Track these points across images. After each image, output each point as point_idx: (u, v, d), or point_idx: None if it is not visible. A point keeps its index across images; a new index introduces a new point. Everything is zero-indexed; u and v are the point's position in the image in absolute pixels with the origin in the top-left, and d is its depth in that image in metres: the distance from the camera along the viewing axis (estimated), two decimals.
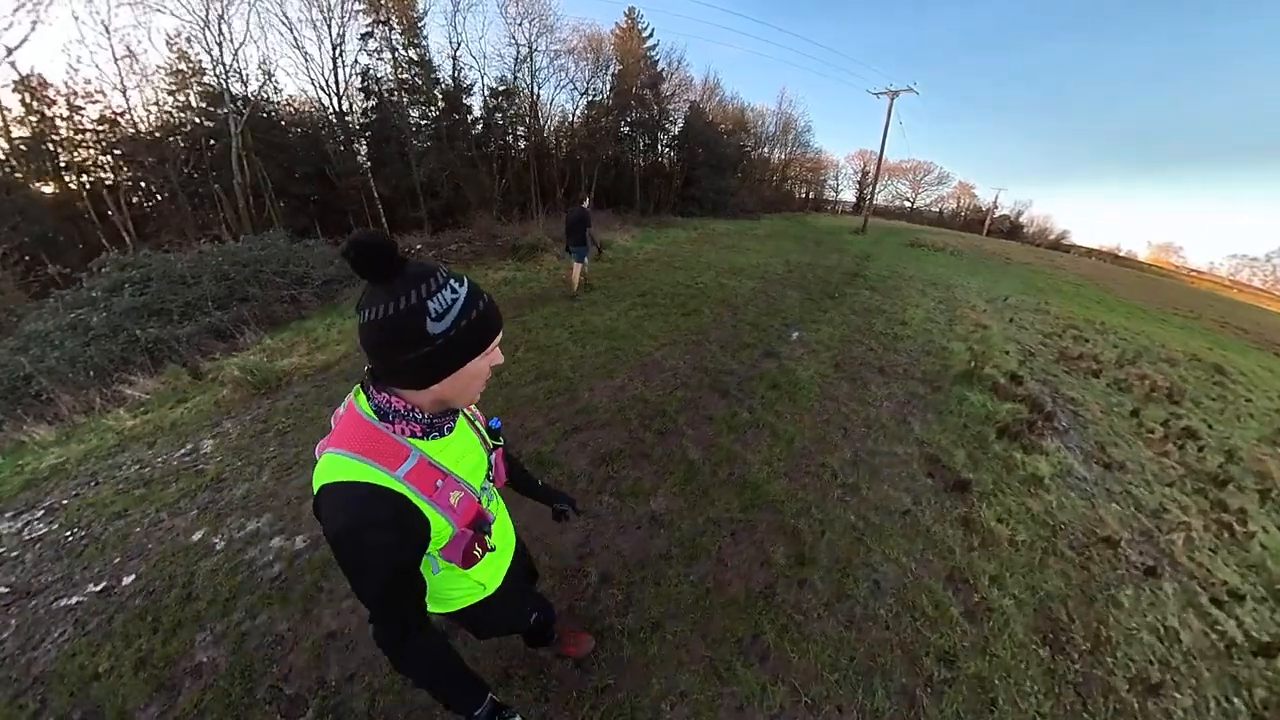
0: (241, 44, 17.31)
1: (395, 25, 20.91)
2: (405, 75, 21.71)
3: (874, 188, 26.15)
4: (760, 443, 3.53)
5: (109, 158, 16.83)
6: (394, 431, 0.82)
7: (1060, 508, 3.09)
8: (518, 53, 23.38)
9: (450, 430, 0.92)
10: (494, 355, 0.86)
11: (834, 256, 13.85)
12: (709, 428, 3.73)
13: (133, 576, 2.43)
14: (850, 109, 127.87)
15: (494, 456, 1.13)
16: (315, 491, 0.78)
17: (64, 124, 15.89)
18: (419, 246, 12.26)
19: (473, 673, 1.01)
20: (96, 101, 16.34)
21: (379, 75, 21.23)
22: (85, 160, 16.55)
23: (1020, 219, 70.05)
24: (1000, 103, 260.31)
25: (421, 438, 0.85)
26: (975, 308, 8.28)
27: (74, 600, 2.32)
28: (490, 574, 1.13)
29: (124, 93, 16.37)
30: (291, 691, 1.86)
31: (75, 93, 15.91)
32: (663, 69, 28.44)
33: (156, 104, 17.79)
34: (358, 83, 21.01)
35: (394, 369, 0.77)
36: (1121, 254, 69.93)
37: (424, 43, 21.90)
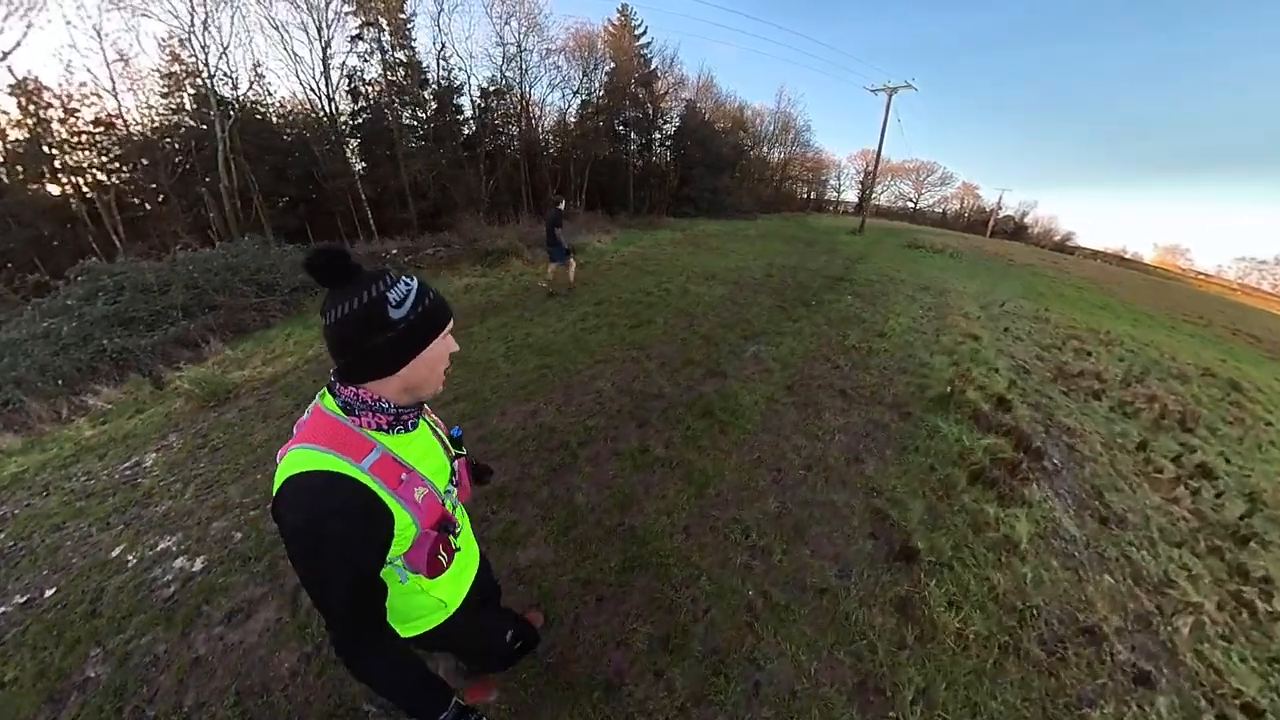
0: (226, 48, 17.19)
1: (384, 26, 20.56)
2: (394, 77, 21.51)
3: (872, 187, 25.42)
4: (666, 486, 2.90)
5: (102, 160, 16.77)
6: (359, 425, 0.85)
7: (1036, 584, 2.42)
8: (504, 51, 22.87)
9: (414, 427, 0.95)
10: (449, 342, 0.93)
11: (823, 258, 13.16)
12: (611, 465, 3.11)
13: (53, 589, 2.48)
14: (852, 108, 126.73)
15: (456, 464, 1.13)
16: (276, 488, 0.78)
17: (61, 127, 15.86)
18: (394, 251, 11.88)
19: (436, 678, 1.01)
20: (92, 105, 16.36)
21: (367, 77, 21.12)
22: (81, 163, 16.39)
23: (1025, 220, 69.00)
24: (1003, 103, 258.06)
25: (387, 431, 0.88)
26: (968, 315, 7.58)
27: (1, 610, 2.38)
28: (451, 592, 1.12)
29: (116, 96, 16.34)
30: (153, 713, 1.86)
31: (70, 95, 15.93)
32: (656, 67, 27.83)
33: (150, 106, 17.79)
34: (346, 85, 20.88)
35: (363, 357, 0.82)
36: (1127, 256, 68.67)
37: (412, 44, 21.61)
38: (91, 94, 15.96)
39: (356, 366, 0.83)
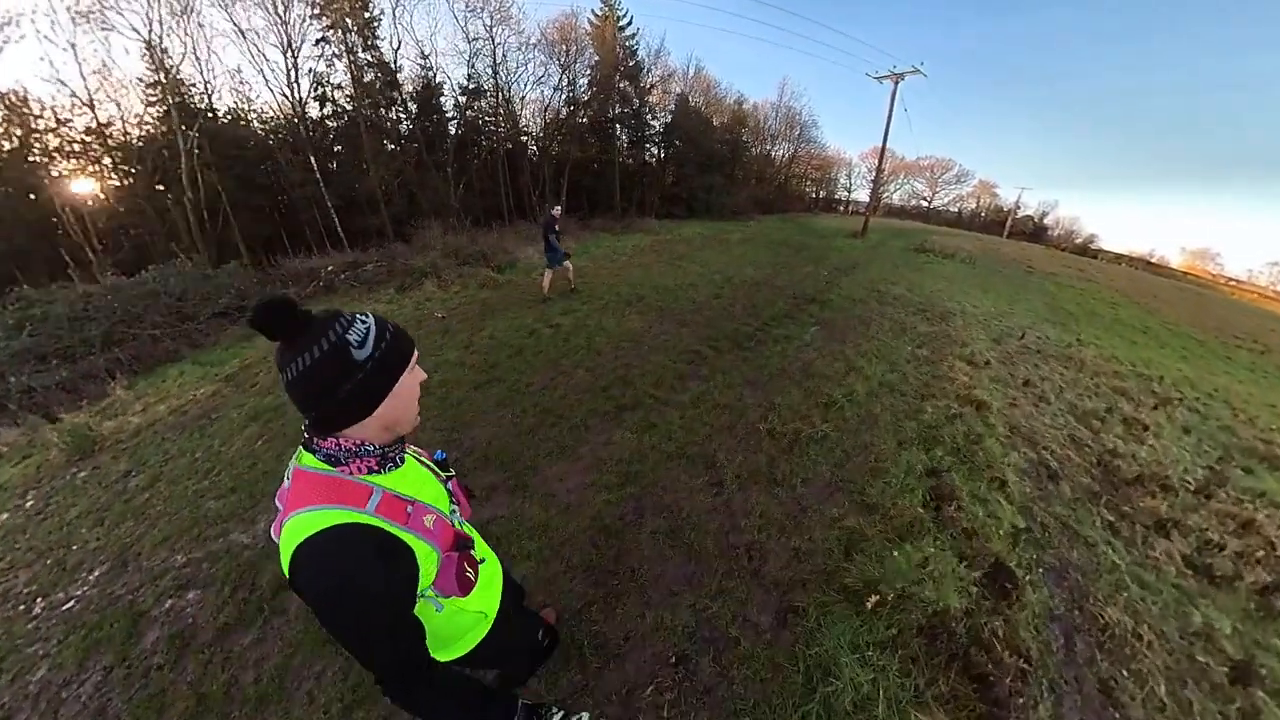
0: (183, 56, 16.72)
1: (351, 27, 19.17)
2: (361, 78, 20.07)
3: (878, 183, 23.21)
4: None
5: (90, 170, 16.65)
6: (350, 473, 0.83)
7: None
8: (472, 47, 21.18)
9: (402, 462, 0.94)
10: (418, 372, 0.91)
11: (805, 269, 11.18)
12: None
13: None
14: (864, 105, 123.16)
15: (450, 486, 1.13)
16: (287, 563, 0.76)
17: (53, 136, 16.06)
18: (330, 268, 10.67)
19: (494, 690, 1.06)
20: (83, 114, 16.14)
21: (336, 81, 19.88)
22: (71, 172, 16.45)
23: (1044, 221, 65.74)
24: (1022, 101, 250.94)
25: (379, 471, 0.87)
26: (973, 357, 5.61)
27: None
28: (488, 601, 1.13)
29: (93, 108, 16.20)
30: None
31: (59, 107, 15.82)
32: (642, 58, 25.92)
33: (137, 115, 17.40)
34: (313, 90, 19.57)
35: (336, 406, 0.79)
36: (1153, 261, 64.94)
37: (378, 43, 20.22)
38: (82, 104, 15.94)
39: (331, 417, 0.81)
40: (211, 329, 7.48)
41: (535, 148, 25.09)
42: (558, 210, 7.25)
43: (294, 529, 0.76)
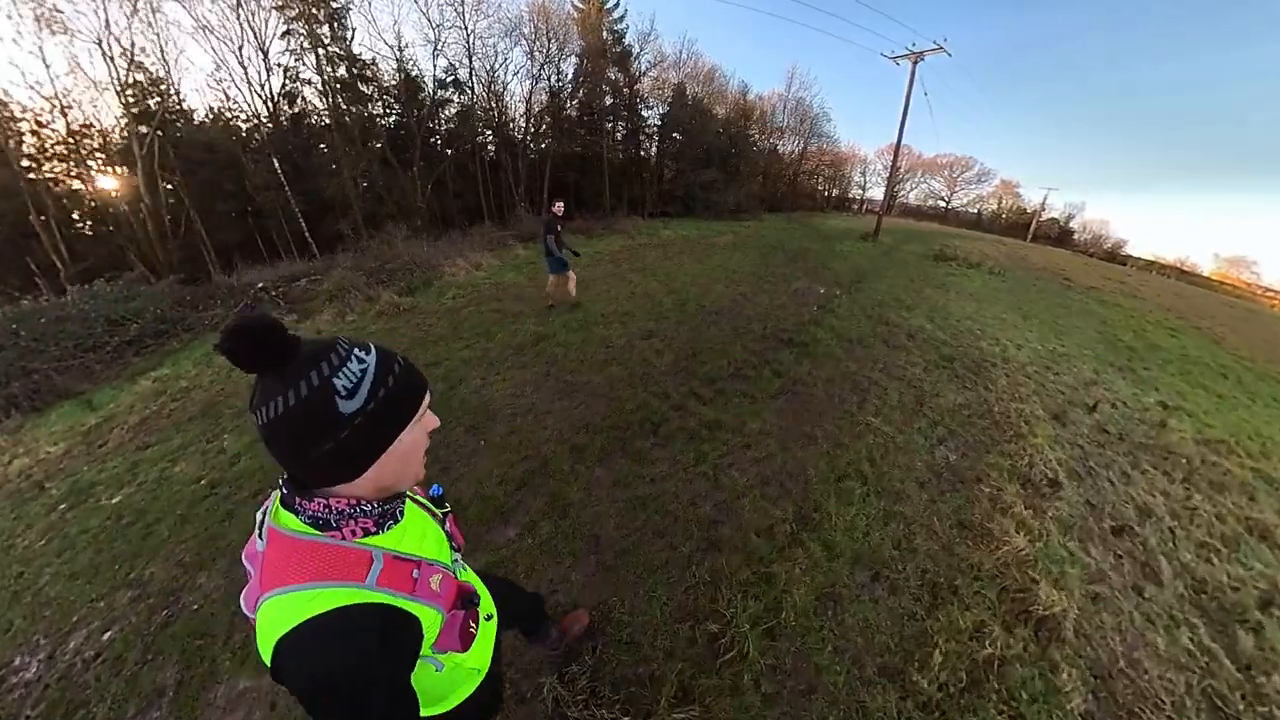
0: (131, 58, 15.67)
1: (320, 19, 17.79)
2: (335, 72, 18.72)
3: (893, 177, 20.81)
4: None
5: (72, 172, 15.87)
6: (343, 538, 0.69)
7: None
8: (437, 34, 19.28)
9: (402, 515, 0.80)
10: (428, 420, 0.77)
11: (796, 283, 9.03)
12: None
13: None
14: (882, 101, 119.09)
15: (448, 525, 1.00)
16: (271, 651, 0.62)
17: (34, 139, 15.34)
18: (260, 285, 9.41)
19: None
20: (57, 118, 15.34)
21: (305, 77, 18.66)
22: (54, 175, 15.68)
23: (1070, 224, 62.29)
24: (1048, 97, 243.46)
25: (376, 532, 0.73)
26: (1031, 472, 3.47)
27: None
28: (482, 656, 1.02)
29: (64, 112, 15.49)
30: None
31: (37, 110, 15.13)
32: (630, 43, 23.78)
33: (117, 119, 16.27)
34: (277, 88, 18.53)
35: (314, 467, 0.65)
36: (1185, 268, 61.00)
37: (346, 35, 18.62)
38: (59, 108, 15.34)
39: (308, 478, 0.67)
40: (117, 360, 6.55)
41: (515, 141, 22.99)
42: (559, 208, 6.37)
43: (276, 614, 0.62)
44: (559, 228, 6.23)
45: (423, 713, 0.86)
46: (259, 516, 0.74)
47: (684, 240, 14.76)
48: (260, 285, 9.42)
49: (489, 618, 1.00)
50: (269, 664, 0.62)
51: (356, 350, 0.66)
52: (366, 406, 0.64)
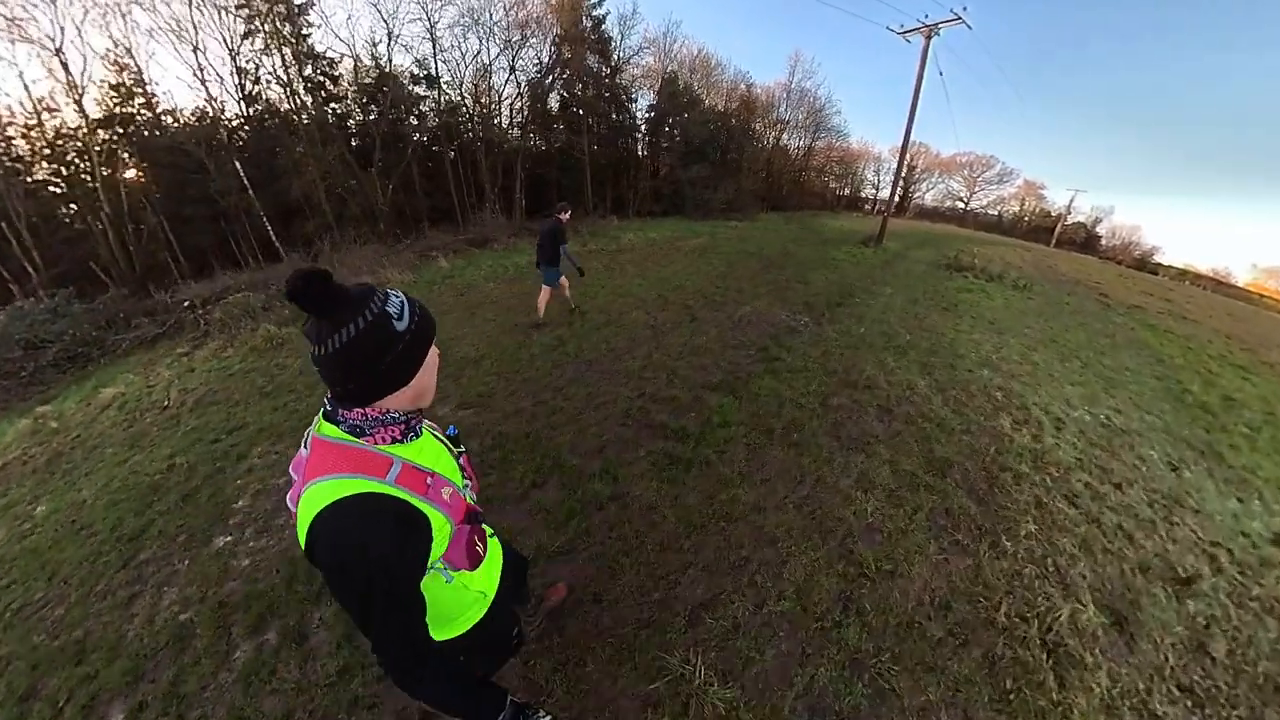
0: (86, 62, 15.08)
1: (281, 15, 16.60)
2: (301, 70, 17.64)
3: (899, 174, 18.38)
4: None
5: (55, 173, 15.56)
6: (373, 443, 0.83)
7: None
8: (389, 27, 17.54)
9: (420, 434, 0.94)
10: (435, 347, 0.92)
11: (748, 307, 6.85)
12: None
13: None
14: (896, 100, 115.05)
15: (462, 460, 1.11)
16: (306, 530, 0.75)
17: (24, 142, 15.28)
18: (186, 302, 8.90)
19: (487, 681, 1.08)
20: (32, 121, 15.10)
21: (267, 77, 17.60)
22: (41, 177, 15.44)
23: (1096, 229, 58.68)
24: (1074, 95, 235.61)
25: (401, 440, 0.87)
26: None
27: None
28: (489, 580, 1.12)
29: (39, 116, 15.30)
30: None
31: (28, 115, 14.96)
32: (609, 29, 21.72)
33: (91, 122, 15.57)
34: (241, 87, 17.43)
35: (378, 376, 0.80)
36: (1222, 279, 56.84)
37: (306, 33, 17.54)
38: (32, 113, 15.21)
39: (370, 387, 0.81)
40: (32, 384, 6.46)
41: (488, 139, 20.97)
42: (566, 214, 5.71)
43: (313, 497, 0.75)
44: (566, 237, 5.63)
45: (433, 635, 0.97)
46: (306, 434, 0.86)
47: (647, 245, 12.67)
48: (186, 304, 8.82)
49: (492, 535, 1.15)
50: (303, 545, 0.75)
51: (390, 291, 0.83)
52: (411, 326, 0.82)
